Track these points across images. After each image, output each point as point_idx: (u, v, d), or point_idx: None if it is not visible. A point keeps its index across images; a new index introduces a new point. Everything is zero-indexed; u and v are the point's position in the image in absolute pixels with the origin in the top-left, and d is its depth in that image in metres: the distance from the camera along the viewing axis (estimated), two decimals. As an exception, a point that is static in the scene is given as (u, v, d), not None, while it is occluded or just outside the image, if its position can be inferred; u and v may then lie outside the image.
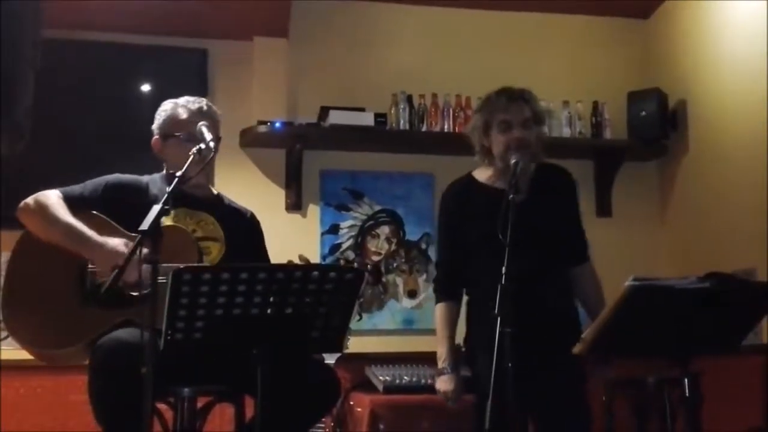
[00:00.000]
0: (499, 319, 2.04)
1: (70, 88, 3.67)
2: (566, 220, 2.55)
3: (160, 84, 3.87)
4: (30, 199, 2.34)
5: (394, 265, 4.09)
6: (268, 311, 1.86)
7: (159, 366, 1.78)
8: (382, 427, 3.18)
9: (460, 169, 4.15)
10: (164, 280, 1.81)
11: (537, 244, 2.40)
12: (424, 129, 4.08)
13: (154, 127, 2.52)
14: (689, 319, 1.95)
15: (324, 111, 3.91)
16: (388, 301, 4.04)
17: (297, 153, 4.00)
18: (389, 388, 3.35)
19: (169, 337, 1.83)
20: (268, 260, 2.55)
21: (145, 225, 1.83)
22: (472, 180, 2.62)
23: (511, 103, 2.50)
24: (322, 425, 3.04)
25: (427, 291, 4.08)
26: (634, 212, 4.31)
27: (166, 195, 1.96)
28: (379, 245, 4.11)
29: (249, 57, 4.06)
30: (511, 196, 2.21)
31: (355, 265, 2.44)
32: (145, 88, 3.91)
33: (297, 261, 2.42)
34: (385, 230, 4.13)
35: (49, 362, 2.40)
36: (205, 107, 2.50)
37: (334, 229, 4.07)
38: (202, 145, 2.21)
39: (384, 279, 4.02)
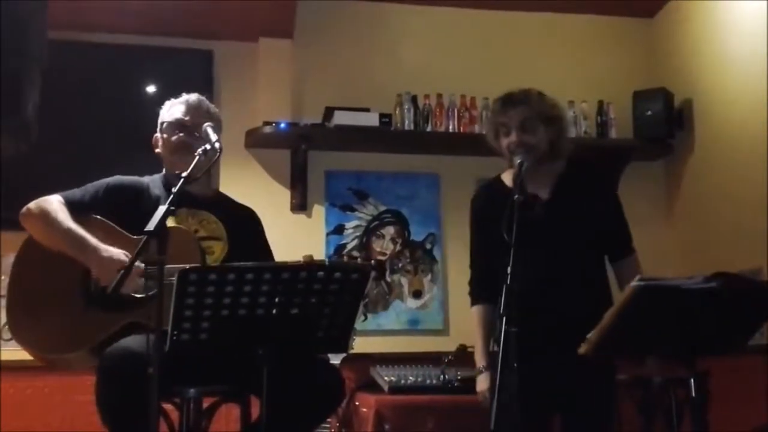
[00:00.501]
0: (504, 318, 2.04)
1: (76, 90, 3.68)
2: (596, 219, 2.50)
3: (165, 85, 3.87)
4: (32, 204, 2.35)
5: (399, 265, 4.09)
6: (274, 311, 1.86)
7: (165, 366, 1.78)
8: (387, 427, 3.17)
9: (465, 170, 4.20)
10: (168, 282, 1.81)
11: (562, 243, 2.41)
12: (428, 129, 4.08)
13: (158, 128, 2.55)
14: (695, 319, 1.94)
15: (329, 111, 3.91)
16: (393, 301, 4.04)
17: (302, 153, 4.00)
18: (394, 389, 3.35)
19: (175, 338, 1.83)
20: (272, 258, 2.56)
21: (151, 226, 1.84)
22: (498, 182, 2.64)
23: (507, 107, 2.52)
24: (328, 425, 3.05)
25: (432, 291, 4.08)
26: (640, 212, 4.26)
27: (172, 196, 1.96)
28: (384, 245, 4.11)
29: (254, 58, 4.07)
30: (516, 196, 2.22)
31: (359, 260, 2.44)
32: (151, 89, 3.92)
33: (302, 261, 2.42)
34: (390, 230, 4.13)
35: (55, 366, 2.40)
36: (195, 99, 2.53)
37: (339, 230, 4.07)
38: (207, 146, 2.21)
39: (389, 278, 4.02)
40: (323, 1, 4.20)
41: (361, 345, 3.08)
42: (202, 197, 2.51)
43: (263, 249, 2.58)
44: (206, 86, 3.79)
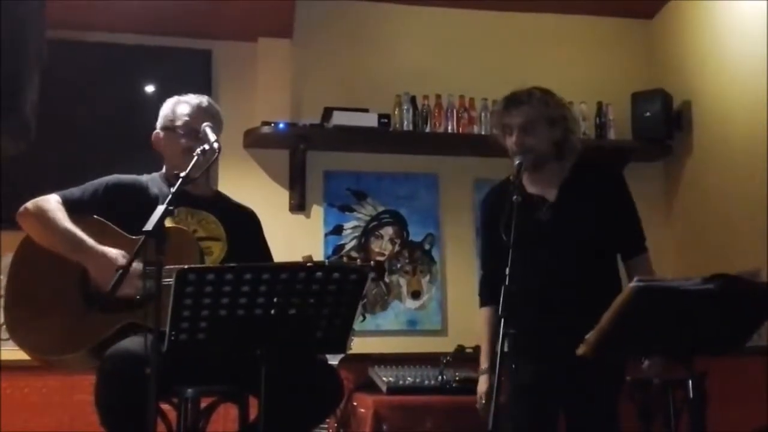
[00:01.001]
0: (503, 320, 2.04)
1: (74, 89, 3.67)
2: (604, 219, 2.49)
3: (164, 85, 3.87)
4: (30, 204, 2.34)
5: (398, 265, 4.09)
6: (272, 312, 1.86)
7: (163, 367, 1.78)
8: (385, 427, 3.17)
9: (463, 170, 4.21)
10: (166, 282, 1.81)
11: (569, 245, 2.42)
12: (427, 130, 4.07)
13: (157, 124, 2.53)
14: (694, 320, 1.93)
15: (328, 112, 3.91)
16: (392, 301, 4.04)
17: (301, 154, 4.00)
18: (393, 389, 3.35)
19: (173, 338, 1.83)
20: (271, 259, 2.55)
21: (149, 226, 1.83)
22: (506, 184, 2.62)
23: (510, 107, 2.51)
24: (326, 426, 3.04)
25: (430, 292, 4.08)
26: (639, 213, 4.28)
27: (170, 196, 1.96)
28: (383, 246, 4.11)
29: (253, 58, 4.07)
30: (515, 197, 2.22)
31: (359, 261, 2.43)
32: (149, 89, 3.91)
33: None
34: (388, 231, 4.13)
35: (53, 367, 2.39)
36: (205, 103, 2.51)
37: (337, 230, 4.07)
38: (206, 146, 2.21)
39: (387, 279, 4.02)
40: (322, 1, 4.20)
41: (359, 345, 3.09)
42: (202, 197, 2.50)
43: (262, 250, 2.57)
44: (205, 86, 3.78)
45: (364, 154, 4.13)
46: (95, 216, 2.33)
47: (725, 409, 3.03)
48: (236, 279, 1.82)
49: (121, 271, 1.86)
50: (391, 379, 3.40)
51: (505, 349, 2.05)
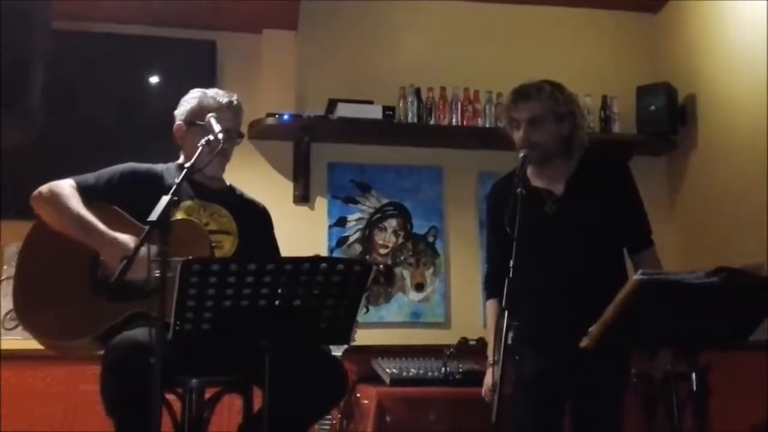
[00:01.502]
0: (506, 312, 2.05)
1: (79, 80, 3.68)
2: (611, 213, 2.49)
3: (168, 76, 3.88)
4: (44, 188, 2.35)
5: (402, 258, 4.09)
6: (276, 303, 1.87)
7: (168, 357, 1.79)
8: (388, 419, 3.19)
9: (468, 163, 4.20)
10: (174, 275, 1.81)
11: (576, 238, 2.42)
12: (432, 122, 4.07)
13: (178, 113, 2.52)
14: (697, 314, 1.94)
15: (332, 104, 3.91)
16: (395, 294, 4.04)
17: (305, 145, 4.00)
18: (396, 381, 3.36)
19: (177, 328, 1.84)
20: (279, 255, 2.55)
21: (154, 216, 1.84)
22: (512, 177, 2.62)
23: (518, 101, 2.49)
24: (329, 417, 3.06)
25: (434, 284, 4.08)
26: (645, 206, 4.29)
27: (174, 186, 1.97)
28: (387, 238, 4.11)
29: (258, 49, 4.07)
30: (518, 190, 2.22)
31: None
32: (154, 80, 3.92)
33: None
34: (392, 223, 4.13)
35: (60, 352, 2.41)
36: (235, 101, 2.51)
37: (341, 222, 4.07)
38: (211, 137, 2.22)
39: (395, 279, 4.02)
40: (327, -8, 4.20)
41: (362, 337, 3.08)
42: (215, 191, 2.51)
43: (271, 246, 2.58)
44: (209, 77, 3.79)
45: (369, 146, 4.13)
46: (108, 203, 2.34)
47: (728, 403, 3.03)
48: (241, 270, 1.82)
49: (126, 261, 1.87)
50: (394, 370, 3.41)
51: (509, 341, 2.05)
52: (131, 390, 1.96)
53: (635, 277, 1.87)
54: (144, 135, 3.56)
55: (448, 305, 4.08)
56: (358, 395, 3.43)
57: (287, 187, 4.03)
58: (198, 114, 2.45)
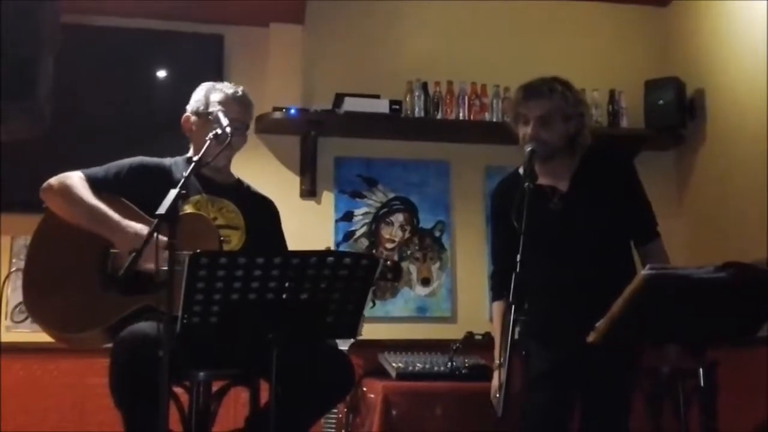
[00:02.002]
0: (513, 307, 2.04)
1: (87, 74, 3.68)
2: (615, 207, 2.49)
3: (176, 70, 3.88)
4: (54, 180, 2.35)
5: (408, 252, 4.09)
6: (284, 296, 1.87)
7: (175, 350, 1.79)
8: (394, 413, 3.19)
9: (475, 158, 4.19)
10: (182, 268, 1.81)
11: (581, 234, 2.42)
12: (439, 116, 4.06)
13: (189, 105, 2.52)
14: (705, 309, 1.93)
15: (339, 98, 3.91)
16: (402, 288, 4.04)
17: (312, 140, 4.00)
18: (402, 375, 3.36)
19: (185, 321, 1.84)
20: (287, 250, 2.55)
21: (162, 209, 1.84)
22: (516, 175, 2.61)
23: (528, 98, 2.48)
24: (336, 411, 3.06)
25: (440, 279, 4.08)
26: (651, 201, 4.27)
27: (182, 179, 1.97)
28: (393, 233, 4.11)
29: (265, 43, 4.06)
30: (526, 184, 2.21)
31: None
32: (161, 73, 3.92)
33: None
34: (399, 218, 4.13)
35: (69, 344, 2.42)
36: (240, 93, 2.51)
37: (348, 217, 4.07)
38: (218, 130, 2.22)
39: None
40: (334, -14, 4.19)
41: (369, 331, 3.08)
42: (223, 185, 2.51)
43: (279, 241, 2.58)
44: (216, 71, 3.79)
45: (375, 141, 4.12)
46: (116, 196, 2.34)
47: (735, 398, 3.02)
48: (248, 264, 1.83)
49: (134, 254, 1.88)
50: (400, 365, 3.42)
51: (516, 336, 2.05)
52: (139, 383, 1.97)
53: (643, 272, 1.86)
54: (151, 129, 3.57)
55: (455, 300, 4.08)
56: (365, 389, 3.44)
57: (294, 182, 4.03)
58: (206, 105, 2.46)
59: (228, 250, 2.34)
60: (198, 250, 1.84)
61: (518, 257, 2.10)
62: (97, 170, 2.41)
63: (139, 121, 3.71)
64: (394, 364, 3.42)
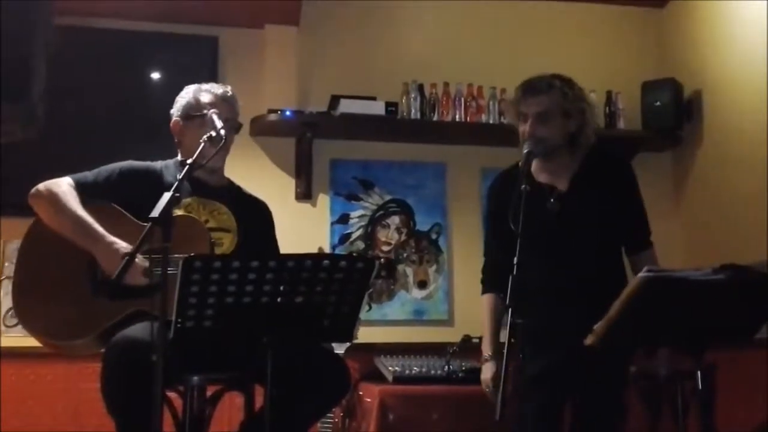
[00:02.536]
0: (510, 310, 2.03)
1: (81, 76, 3.66)
2: (613, 211, 2.47)
3: (170, 72, 3.87)
4: (42, 186, 2.33)
5: (404, 255, 4.08)
6: (278, 300, 1.85)
7: (169, 354, 1.78)
8: (391, 417, 3.17)
9: (471, 159, 4.18)
10: (175, 271, 1.80)
11: (578, 235, 2.40)
12: (435, 118, 4.05)
13: (174, 110, 2.50)
14: (703, 312, 1.92)
15: (335, 100, 3.89)
16: (398, 291, 4.03)
17: (307, 142, 3.99)
18: (399, 379, 3.34)
19: (179, 325, 1.82)
20: (279, 253, 2.54)
21: (156, 212, 1.82)
22: (515, 171, 2.59)
23: (527, 95, 2.47)
24: (332, 415, 3.04)
25: (437, 282, 4.07)
26: (648, 203, 4.21)
27: (177, 182, 1.95)
28: (390, 235, 4.09)
29: (260, 45, 4.05)
30: (523, 186, 2.20)
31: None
32: (156, 75, 3.91)
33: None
34: (395, 220, 4.12)
35: (61, 352, 2.39)
36: (229, 93, 2.50)
37: (344, 219, 4.06)
38: (213, 133, 2.20)
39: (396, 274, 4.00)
40: (330, -12, 4.18)
41: (365, 335, 3.08)
42: (215, 187, 2.49)
43: (271, 244, 2.56)
44: (211, 73, 3.78)
45: (371, 143, 4.11)
46: (107, 201, 2.32)
47: (733, 400, 3.02)
48: (243, 267, 1.81)
49: (127, 258, 1.86)
50: (397, 368, 3.40)
51: (512, 339, 2.04)
52: (131, 388, 1.95)
53: (641, 274, 1.85)
54: (146, 131, 3.55)
55: (451, 303, 4.07)
56: (361, 393, 3.42)
57: (289, 184, 4.01)
58: (193, 108, 2.44)
59: (222, 254, 2.32)
60: (191, 254, 1.82)
61: (515, 260, 2.09)
62: (87, 175, 2.38)
63: (135, 123, 3.70)
64: (390, 368, 3.40)
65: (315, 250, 2.46)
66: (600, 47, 4.39)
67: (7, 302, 3.54)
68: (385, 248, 4.07)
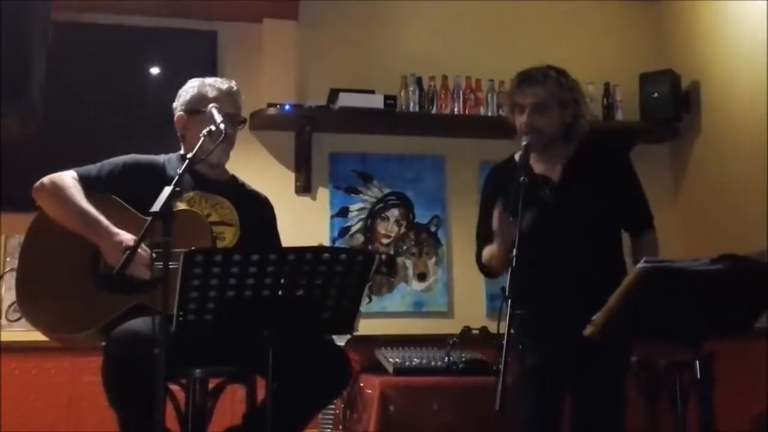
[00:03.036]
0: (509, 301, 2.04)
1: (80, 71, 3.67)
2: (608, 199, 2.47)
3: (169, 66, 3.86)
4: (46, 179, 2.34)
5: (404, 248, 4.09)
6: (279, 293, 1.86)
7: (171, 348, 1.79)
8: (392, 408, 3.19)
9: (470, 152, 4.19)
10: (176, 266, 1.81)
11: (572, 224, 2.41)
12: (434, 111, 4.06)
13: (178, 104, 2.50)
14: (701, 302, 1.93)
15: (333, 93, 3.90)
16: (398, 284, 4.04)
17: (306, 135, 3.99)
18: (399, 370, 3.36)
19: (180, 319, 1.84)
20: (281, 246, 2.54)
21: (157, 206, 1.83)
22: (511, 162, 2.60)
23: (522, 86, 2.47)
24: (333, 407, 3.06)
25: (436, 274, 4.08)
26: (646, 194, 4.27)
27: (177, 176, 1.96)
28: (389, 228, 4.10)
29: (258, 39, 4.05)
30: (522, 178, 2.20)
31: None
32: (155, 70, 3.90)
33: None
34: (394, 213, 4.13)
35: (64, 344, 2.41)
36: (234, 88, 2.50)
37: (343, 212, 4.07)
38: (212, 127, 2.21)
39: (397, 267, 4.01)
40: (328, -19, 4.17)
41: (365, 327, 3.09)
42: (218, 181, 2.50)
43: (273, 238, 2.57)
44: (210, 67, 3.77)
45: (370, 136, 4.12)
46: (110, 195, 2.33)
47: (732, 390, 3.03)
48: (244, 261, 1.82)
49: (129, 251, 1.87)
50: (397, 360, 3.42)
51: (512, 331, 2.04)
52: (133, 381, 1.96)
53: (639, 265, 1.87)
54: (145, 126, 3.55)
55: (451, 294, 4.08)
56: (362, 385, 3.44)
57: (289, 178, 4.02)
58: (198, 102, 2.44)
59: (223, 247, 2.33)
60: (192, 248, 1.83)
61: (514, 252, 2.09)
62: (90, 169, 2.39)
63: (134, 118, 3.70)
64: (390, 360, 3.42)
65: (315, 244, 2.45)
66: (597, 39, 4.38)
67: (9, 297, 3.55)
68: (385, 241, 4.08)
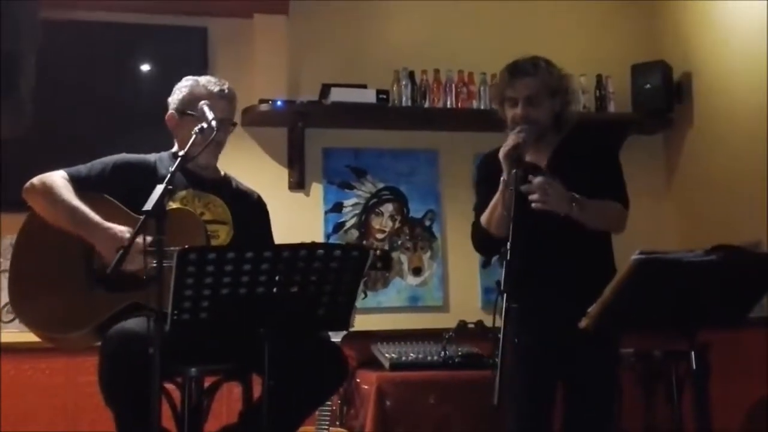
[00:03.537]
0: (504, 294, 2.03)
1: (70, 68, 3.64)
2: (593, 185, 2.42)
3: (160, 63, 3.85)
4: (36, 180, 2.33)
5: (399, 242, 4.09)
6: (274, 290, 1.86)
7: (166, 346, 1.78)
8: (388, 403, 3.19)
9: (463, 146, 4.19)
10: (167, 264, 1.80)
11: (558, 216, 2.40)
12: (426, 105, 4.05)
13: (171, 101, 2.49)
14: (696, 293, 1.94)
15: (325, 88, 3.88)
16: (393, 278, 4.04)
17: (299, 131, 3.98)
18: (395, 365, 3.36)
19: (175, 317, 1.83)
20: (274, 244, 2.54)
21: (149, 205, 1.83)
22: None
23: (514, 78, 2.46)
24: (330, 403, 3.06)
25: (431, 268, 4.08)
26: (639, 186, 4.19)
27: (169, 175, 1.95)
28: (383, 223, 4.10)
29: (249, 35, 4.03)
30: (514, 170, 2.20)
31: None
32: (145, 67, 3.88)
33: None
34: (388, 208, 4.12)
35: (58, 345, 2.40)
36: (226, 90, 2.48)
37: (337, 208, 4.06)
38: (204, 125, 2.20)
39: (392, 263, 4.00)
40: (318, -24, 4.15)
41: (361, 322, 3.07)
42: (210, 180, 2.49)
43: (267, 236, 2.56)
44: (201, 64, 3.76)
45: (363, 131, 4.11)
46: (100, 194, 2.32)
47: (727, 380, 3.05)
48: (238, 258, 1.81)
49: (122, 250, 1.86)
50: (393, 355, 3.42)
51: (507, 325, 2.04)
52: (129, 380, 1.96)
53: (633, 257, 1.87)
54: (136, 123, 3.54)
55: (446, 289, 4.08)
56: (358, 381, 3.44)
57: (282, 174, 4.01)
58: (190, 103, 2.43)
59: (217, 245, 2.33)
60: (186, 246, 1.83)
61: (508, 244, 2.09)
62: (80, 169, 2.38)
63: (125, 115, 3.68)
64: (387, 355, 3.42)
65: (309, 241, 2.45)
66: (589, 30, 4.38)
67: (3, 298, 3.54)
68: (380, 236, 4.08)
